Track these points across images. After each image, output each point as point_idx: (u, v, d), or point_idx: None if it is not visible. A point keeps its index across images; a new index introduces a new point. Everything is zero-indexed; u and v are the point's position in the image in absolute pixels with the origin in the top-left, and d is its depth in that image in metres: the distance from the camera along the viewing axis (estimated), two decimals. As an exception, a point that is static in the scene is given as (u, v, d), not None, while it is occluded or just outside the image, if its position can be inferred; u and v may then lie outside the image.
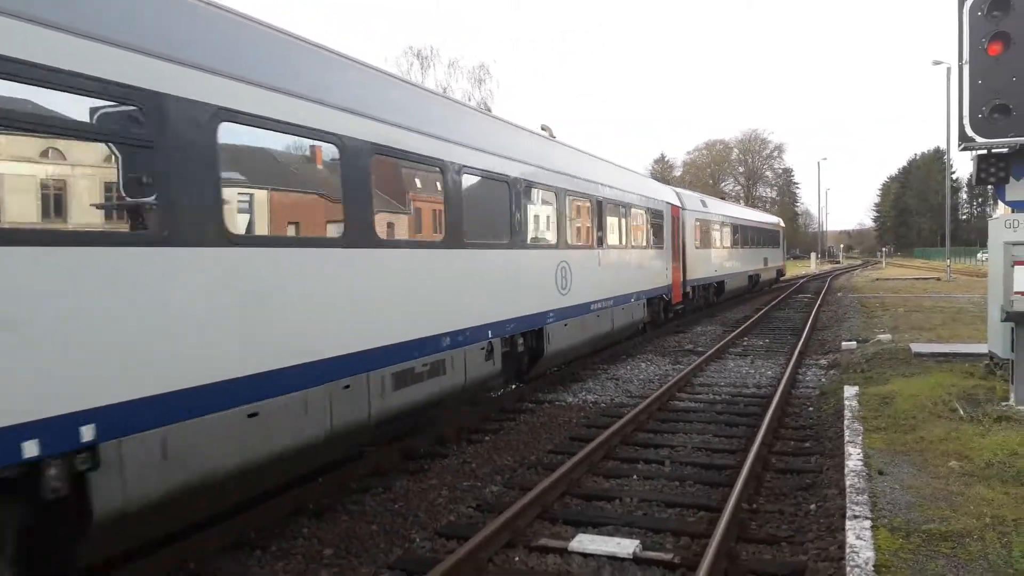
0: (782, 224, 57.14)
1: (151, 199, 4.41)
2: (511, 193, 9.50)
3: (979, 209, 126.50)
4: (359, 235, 6.14)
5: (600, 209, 14.17)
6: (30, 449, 3.50)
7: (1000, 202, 10.67)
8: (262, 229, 5.17)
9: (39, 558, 3.56)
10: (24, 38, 3.80)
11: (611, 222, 14.89)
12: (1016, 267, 9.67)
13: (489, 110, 33.49)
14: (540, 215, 11.18)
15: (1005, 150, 10.17)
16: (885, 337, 17.19)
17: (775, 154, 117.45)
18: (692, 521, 7.24)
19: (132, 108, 4.37)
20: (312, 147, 5.80)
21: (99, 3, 4.28)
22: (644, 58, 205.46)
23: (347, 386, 5.84)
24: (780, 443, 9.72)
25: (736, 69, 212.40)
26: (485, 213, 8.74)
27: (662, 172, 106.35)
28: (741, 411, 11.56)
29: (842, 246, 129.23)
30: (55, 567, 3.52)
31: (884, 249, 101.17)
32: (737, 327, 21.98)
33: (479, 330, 8.74)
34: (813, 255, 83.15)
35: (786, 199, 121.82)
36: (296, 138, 5.51)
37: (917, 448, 8.17)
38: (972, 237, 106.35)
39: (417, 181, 7.50)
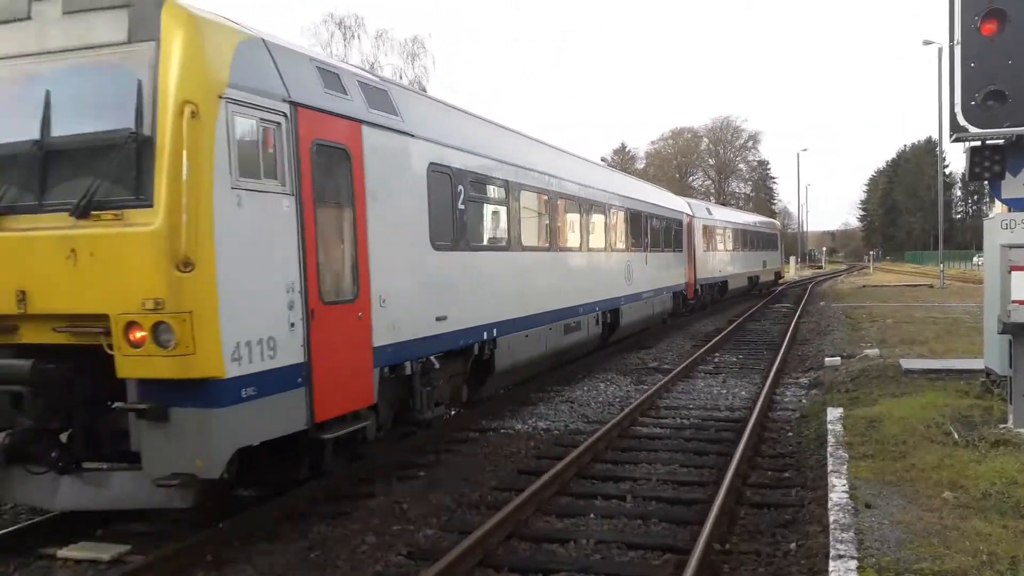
0: (779, 226, 63.61)
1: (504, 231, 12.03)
2: (607, 214, 18.33)
3: (975, 207, 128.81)
4: (547, 243, 14.09)
5: (647, 222, 22.67)
6: (480, 335, 10.67)
7: (996, 200, 10.88)
8: (527, 241, 12.97)
9: (471, 388, 10.69)
10: (448, 155, 10.53)
11: (652, 231, 23.30)
12: (1013, 273, 9.72)
13: (424, 89, 39.39)
14: (617, 227, 19.70)
15: (1000, 141, 10.26)
16: (872, 352, 17.31)
17: (749, 144, 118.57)
18: (657, 565, 7.17)
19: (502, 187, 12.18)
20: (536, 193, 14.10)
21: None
22: (599, 42, 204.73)
23: (551, 328, 13.12)
24: (756, 474, 9.81)
25: (705, 51, 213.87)
26: (598, 231, 17.34)
27: (622, 164, 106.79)
28: (712, 437, 11.62)
29: (825, 249, 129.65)
30: (476, 393, 10.83)
31: (872, 252, 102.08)
32: (708, 341, 22.15)
33: (592, 305, 17.04)
34: (792, 259, 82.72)
35: (762, 195, 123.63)
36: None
37: (908, 477, 8.32)
38: (968, 239, 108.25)
39: (578, 214, 16.63)
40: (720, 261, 36.82)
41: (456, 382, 11.54)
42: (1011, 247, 9.76)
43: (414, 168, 9.82)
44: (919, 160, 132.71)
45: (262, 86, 7.24)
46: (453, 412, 12.04)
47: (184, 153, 6.48)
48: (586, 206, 17.42)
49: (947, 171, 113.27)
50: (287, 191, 7.47)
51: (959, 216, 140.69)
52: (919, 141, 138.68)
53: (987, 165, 10.40)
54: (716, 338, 22.36)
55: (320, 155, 7.91)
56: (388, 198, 9.12)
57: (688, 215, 30.38)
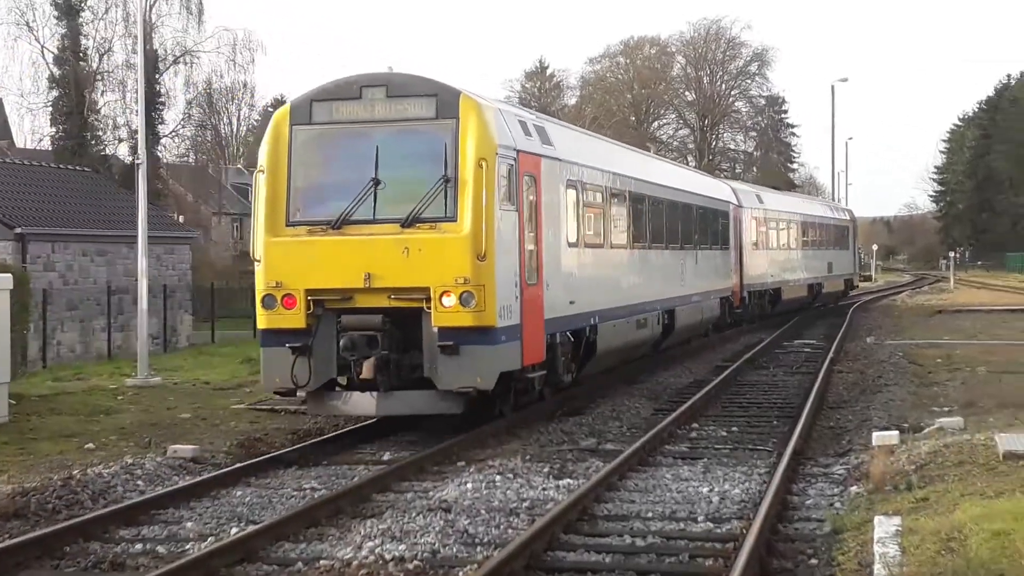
0: (852, 215, 62.21)
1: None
2: (668, 209, 26.66)
3: None
4: (631, 242, 23.38)
5: (697, 215, 29.29)
6: (590, 320, 19.85)
7: None
8: (617, 240, 22.49)
9: (579, 366, 19.78)
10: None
11: (701, 227, 29.42)
12: None
13: None
14: (675, 223, 27.05)
15: None
16: (952, 422, 16.46)
17: (753, 69, 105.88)
18: None
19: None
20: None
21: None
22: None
23: (628, 321, 21.94)
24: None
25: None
26: (662, 228, 25.85)
27: (541, 95, 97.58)
28: (684, 571, 10.79)
29: (875, 247, 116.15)
30: (580, 374, 19.99)
31: (953, 254, 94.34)
32: (680, 403, 20.71)
33: (655, 304, 24.32)
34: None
35: (772, 155, 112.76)
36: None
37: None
38: None
39: (650, 212, 24.74)
40: (773, 262, 40.32)
41: (571, 358, 19.76)
42: None
43: (560, 184, 19.05)
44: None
45: (508, 142, 16.51)
46: (569, 378, 19.84)
47: (482, 189, 15.52)
48: (654, 203, 25.22)
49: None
50: (515, 209, 16.72)
51: None
52: None
53: None
54: (695, 396, 21.09)
55: (525, 183, 17.21)
56: (549, 208, 18.25)
57: (735, 204, 35.31)
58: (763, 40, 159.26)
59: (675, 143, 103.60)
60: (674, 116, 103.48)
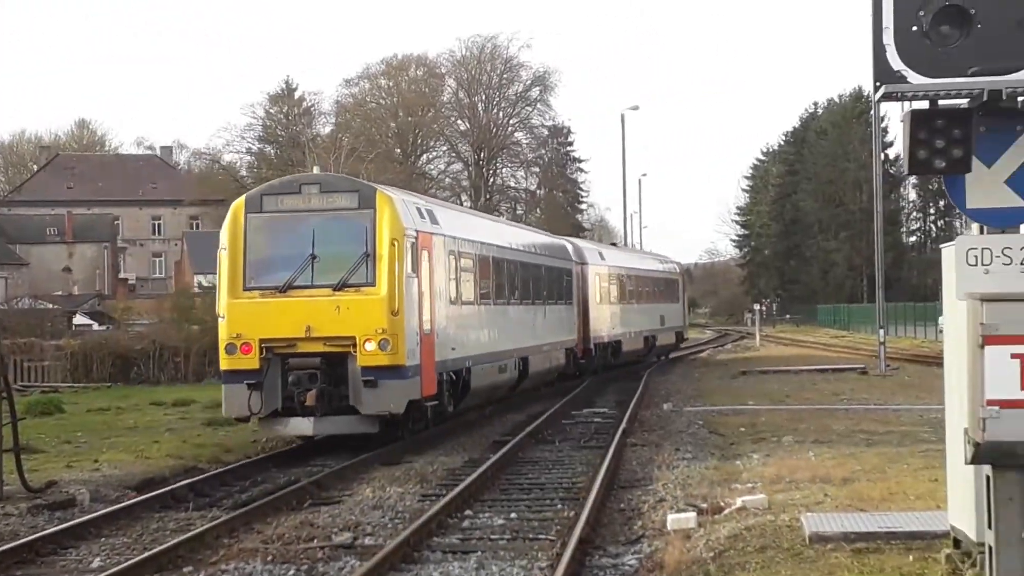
0: (680, 268, 74.19)
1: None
2: (521, 269, 36.36)
3: (943, 220, 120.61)
4: (494, 297, 32.89)
5: (545, 273, 38.58)
6: (465, 363, 28.81)
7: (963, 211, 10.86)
8: (483, 297, 31.98)
9: (456, 401, 28.56)
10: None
11: (548, 283, 38.80)
12: (988, 349, 9.27)
13: None
14: (526, 281, 35.93)
15: (963, 103, 10.15)
16: (755, 500, 16.78)
17: (535, 94, 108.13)
18: None
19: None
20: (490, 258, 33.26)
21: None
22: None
23: (491, 365, 31.04)
24: None
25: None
26: (517, 285, 35.59)
27: (289, 121, 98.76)
28: None
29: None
30: (457, 407, 28.83)
31: (759, 307, 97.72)
32: (451, 486, 20.89)
33: (512, 352, 33.40)
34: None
35: (558, 194, 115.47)
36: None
37: None
38: (931, 282, 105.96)
39: (508, 272, 34.57)
40: (614, 316, 48.91)
41: (452, 394, 28.05)
42: (985, 300, 9.40)
43: (444, 254, 27.36)
44: (843, 131, 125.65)
45: (411, 225, 24.66)
46: (451, 409, 28.21)
47: (395, 262, 23.59)
48: (511, 265, 34.39)
49: (889, 155, 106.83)
50: (416, 276, 24.65)
51: (915, 239, 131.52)
52: (843, 96, 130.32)
53: (939, 146, 9.90)
54: (469, 478, 21.17)
55: (423, 255, 25.20)
56: (437, 274, 26.39)
57: (577, 262, 44.32)
58: (545, 61, 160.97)
59: (447, 179, 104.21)
60: (446, 148, 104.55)
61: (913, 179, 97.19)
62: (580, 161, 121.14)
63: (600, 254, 49.26)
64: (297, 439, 25.62)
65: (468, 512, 18.61)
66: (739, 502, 16.74)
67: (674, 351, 64.89)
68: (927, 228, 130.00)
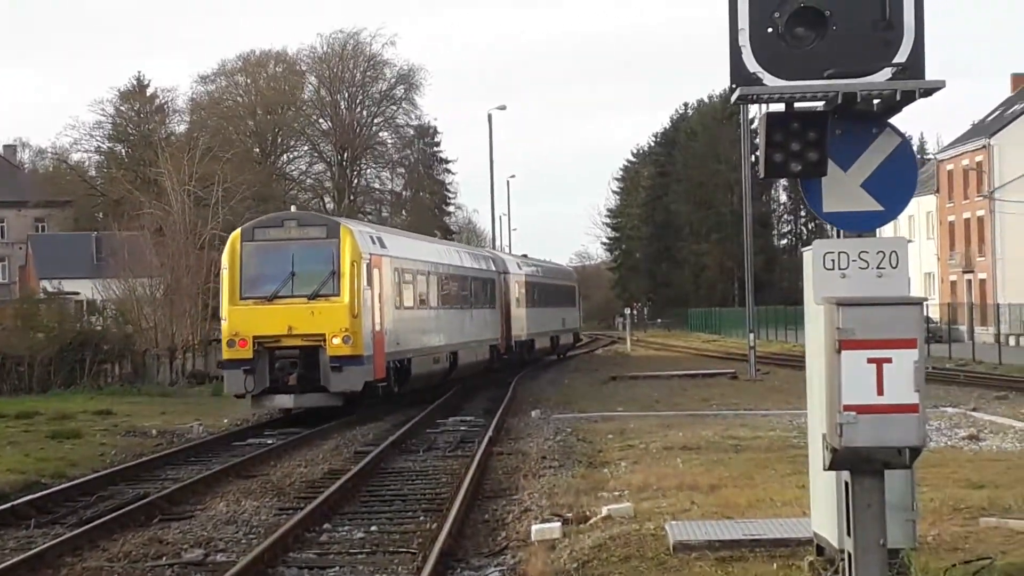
0: (575, 276, 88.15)
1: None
2: (453, 280, 47.95)
3: (815, 222, 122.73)
4: (428, 303, 43.77)
5: (472, 283, 49.75)
6: (408, 355, 39.35)
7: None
8: (421, 302, 42.81)
9: (400, 385, 38.65)
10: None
11: (474, 291, 49.70)
12: (844, 354, 9.46)
13: None
14: (456, 289, 47.44)
15: (819, 105, 10.32)
16: (621, 509, 16.84)
17: (399, 92, 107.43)
18: None
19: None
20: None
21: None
22: None
23: (428, 357, 41.87)
24: None
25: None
26: (448, 292, 46.80)
27: (139, 123, 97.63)
28: None
29: None
30: (402, 395, 39.16)
31: (630, 311, 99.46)
32: (310, 499, 20.65)
33: (445, 347, 44.35)
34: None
35: (425, 197, 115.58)
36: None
37: None
38: (803, 285, 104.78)
39: (442, 283, 45.67)
40: (529, 318, 59.67)
41: (397, 379, 37.35)
42: (840, 304, 9.57)
43: (391, 271, 37.17)
44: (713, 133, 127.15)
45: (366, 250, 34.45)
46: (396, 390, 37.36)
47: (354, 278, 33.18)
48: (445, 277, 44.57)
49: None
50: (370, 288, 34.36)
51: (786, 242, 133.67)
52: (713, 97, 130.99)
53: (794, 149, 9.96)
54: (328, 490, 20.92)
55: (375, 273, 34.93)
56: (386, 286, 36.36)
57: (499, 272, 55.16)
58: (411, 59, 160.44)
59: (309, 180, 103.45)
60: (307, 148, 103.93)
61: (783, 181, 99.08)
62: (447, 162, 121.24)
63: (518, 265, 61.62)
64: (280, 411, 34.60)
65: (327, 526, 18.53)
66: (605, 511, 16.82)
67: (571, 349, 76.84)
68: (798, 231, 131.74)
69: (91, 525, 18.07)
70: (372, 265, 34.43)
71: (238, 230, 34.80)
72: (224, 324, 33.36)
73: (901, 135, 10.57)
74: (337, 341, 32.16)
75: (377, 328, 34.39)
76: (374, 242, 36.00)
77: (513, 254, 70.27)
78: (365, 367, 33.08)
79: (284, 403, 33.35)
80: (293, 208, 42.66)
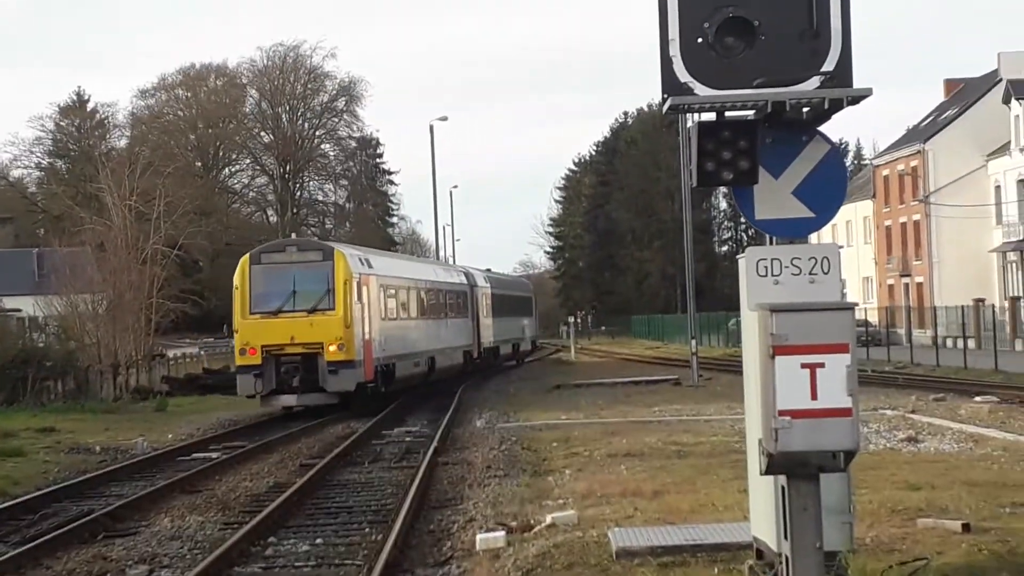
0: (531, 287, 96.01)
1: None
2: (430, 294, 55.51)
3: (754, 229, 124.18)
4: (407, 314, 50.54)
5: (446, 296, 57.37)
6: (392, 361, 45.29)
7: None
8: (403, 313, 49.97)
9: (387, 385, 44.39)
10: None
11: (449, 303, 57.06)
12: (779, 359, 9.52)
13: None
14: (433, 302, 54.54)
15: (749, 114, 10.37)
16: (565, 517, 16.94)
17: (341, 104, 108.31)
18: None
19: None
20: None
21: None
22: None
23: (408, 362, 48.01)
24: None
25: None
26: (427, 304, 54.32)
27: (79, 138, 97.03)
28: None
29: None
30: (388, 395, 44.52)
31: (574, 319, 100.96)
32: (255, 512, 20.49)
33: (423, 353, 50.72)
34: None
35: (369, 208, 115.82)
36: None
37: None
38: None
39: (420, 296, 53.10)
40: (496, 327, 67.04)
41: (383, 381, 43.04)
42: (774, 310, 9.63)
43: (376, 288, 43.18)
44: (653, 141, 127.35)
45: (356, 270, 40.78)
46: (383, 390, 42.68)
47: (347, 295, 39.22)
48: (424, 291, 51.00)
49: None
50: (360, 303, 40.51)
51: (727, 248, 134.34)
52: (652, 105, 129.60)
53: (726, 158, 10.07)
54: (273, 504, 20.74)
55: (363, 290, 41.17)
56: (373, 301, 42.38)
57: (470, 285, 61.18)
58: (352, 71, 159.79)
59: (251, 193, 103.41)
60: (249, 161, 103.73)
61: (723, 189, 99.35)
62: (390, 173, 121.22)
63: (486, 278, 68.90)
64: (283, 409, 39.89)
65: (272, 539, 18.41)
66: (549, 519, 16.86)
67: (529, 356, 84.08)
68: (739, 237, 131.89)
69: (34, 543, 17.82)
70: (361, 283, 40.28)
71: (247, 255, 40.81)
72: (236, 335, 39.40)
73: (831, 142, 10.63)
74: (333, 348, 37.77)
75: (366, 337, 39.82)
76: (362, 263, 42.10)
77: (479, 268, 74.48)
78: (357, 370, 38.59)
79: (289, 402, 39.18)
80: (293, 235, 52.42)
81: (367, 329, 39.99)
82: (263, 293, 38.86)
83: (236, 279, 39.43)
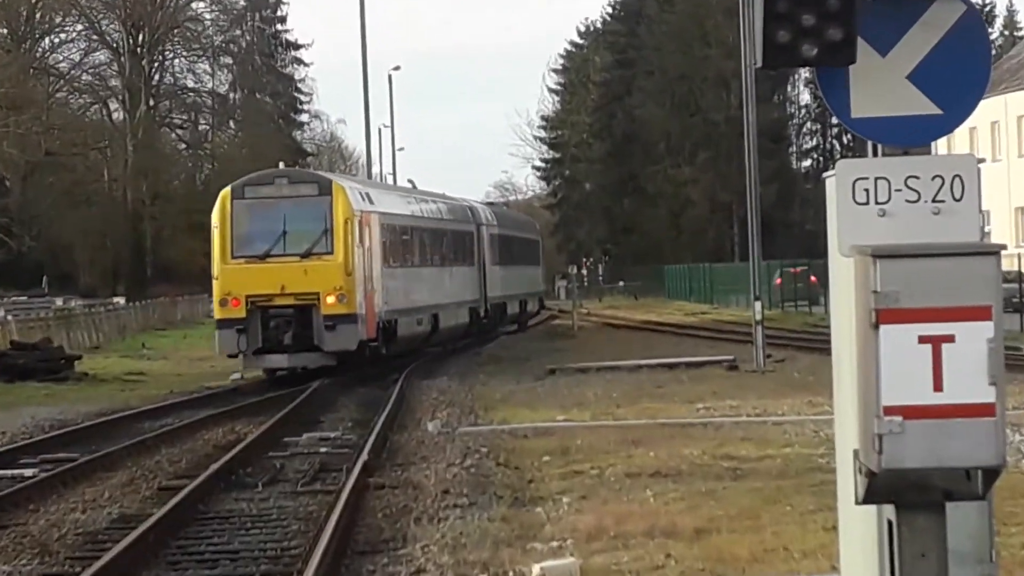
0: (537, 227, 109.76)
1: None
2: (436, 236, 79.60)
3: (849, 136, 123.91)
4: (409, 262, 72.21)
5: (452, 238, 79.48)
6: (395, 316, 66.10)
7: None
8: (406, 261, 71.40)
9: (388, 344, 65.20)
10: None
11: (453, 246, 78.61)
12: (884, 329, 9.38)
13: None
14: (440, 246, 77.37)
15: None
16: (561, 568, 17.12)
17: None
18: None
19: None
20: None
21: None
22: None
23: (412, 319, 69.32)
24: None
25: None
26: (431, 250, 77.55)
27: None
28: None
29: None
30: (389, 351, 65.53)
31: (577, 270, 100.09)
32: (92, 558, 20.66)
33: (426, 308, 70.81)
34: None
35: (265, 102, 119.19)
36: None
37: None
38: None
39: (426, 240, 76.35)
40: (505, 279, 79.34)
41: (385, 339, 62.88)
42: (877, 256, 9.44)
43: (378, 226, 61.49)
44: (697, 2, 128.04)
45: (357, 207, 58.76)
46: (384, 350, 62.59)
47: (347, 236, 56.07)
48: (429, 233, 70.48)
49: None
50: (362, 246, 58.49)
51: (810, 163, 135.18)
52: None
53: (808, 24, 9.95)
54: (119, 546, 20.79)
55: (364, 228, 59.09)
56: (375, 244, 60.53)
57: (477, 223, 76.68)
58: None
59: (85, 76, 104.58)
60: (83, 28, 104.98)
61: (805, 72, 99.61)
62: (297, 48, 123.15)
63: (491, 215, 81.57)
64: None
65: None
66: (537, 570, 17.06)
67: (534, 318, 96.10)
68: (828, 146, 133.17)
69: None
70: (363, 223, 51.50)
71: (228, 188, 50.88)
72: (216, 283, 49.77)
73: (967, 1, 10.54)
74: (331, 300, 48.33)
75: (368, 287, 51.62)
76: (363, 198, 53.74)
77: (483, 201, 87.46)
78: (359, 326, 49.58)
79: (278, 363, 50.36)
80: (281, 165, 61.25)
81: (369, 278, 51.60)
82: (248, 233, 48.84)
83: (215, 217, 49.20)
